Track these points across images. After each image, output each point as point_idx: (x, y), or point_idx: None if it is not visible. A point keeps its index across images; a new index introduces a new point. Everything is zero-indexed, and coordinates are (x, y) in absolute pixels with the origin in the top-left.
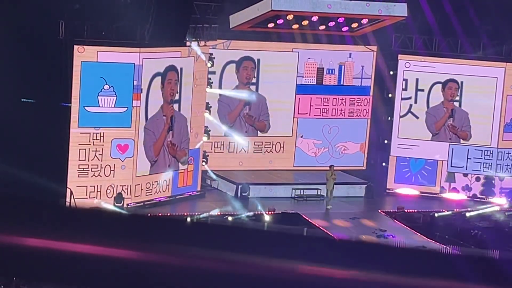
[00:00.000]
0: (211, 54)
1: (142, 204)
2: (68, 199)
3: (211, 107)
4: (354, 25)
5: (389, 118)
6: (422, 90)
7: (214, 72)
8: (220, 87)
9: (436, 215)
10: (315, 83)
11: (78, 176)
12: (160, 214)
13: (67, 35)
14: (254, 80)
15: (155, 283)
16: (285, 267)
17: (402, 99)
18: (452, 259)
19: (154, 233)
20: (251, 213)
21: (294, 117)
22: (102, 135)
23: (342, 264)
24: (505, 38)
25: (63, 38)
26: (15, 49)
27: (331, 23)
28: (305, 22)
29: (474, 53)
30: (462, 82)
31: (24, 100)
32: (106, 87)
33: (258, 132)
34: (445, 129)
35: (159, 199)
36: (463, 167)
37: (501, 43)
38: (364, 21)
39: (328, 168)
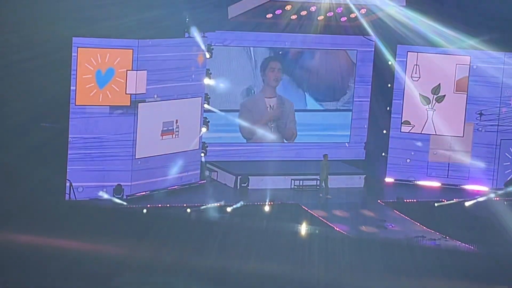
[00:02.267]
0: (210, 44)
1: (141, 195)
2: (68, 192)
3: (210, 98)
4: (353, 15)
5: (387, 108)
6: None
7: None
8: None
9: (435, 204)
10: None
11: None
12: (159, 205)
13: (66, 29)
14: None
15: (155, 274)
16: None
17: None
18: (451, 252)
19: (153, 224)
20: (250, 204)
21: None
22: None
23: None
24: (505, 27)
25: (62, 32)
26: (14, 45)
27: (330, 14)
28: (303, 13)
29: (473, 42)
30: None
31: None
32: None
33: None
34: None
35: (158, 190)
36: None
37: (501, 32)
38: (363, 11)
39: (322, 158)
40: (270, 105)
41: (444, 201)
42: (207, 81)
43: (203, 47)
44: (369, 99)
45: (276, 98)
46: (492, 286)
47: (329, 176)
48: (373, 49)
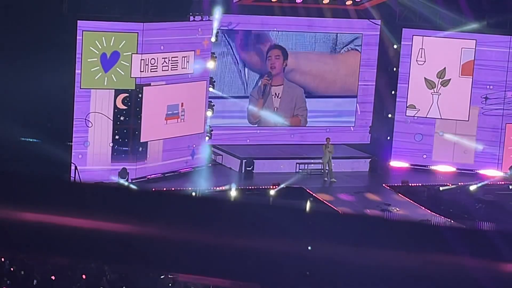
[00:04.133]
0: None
1: (146, 178)
2: (72, 174)
3: (214, 81)
4: None
5: (392, 92)
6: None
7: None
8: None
9: (440, 188)
10: None
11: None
12: (164, 189)
13: (71, 10)
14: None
15: (159, 256)
16: (289, 242)
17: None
18: (453, 232)
19: (158, 207)
20: (255, 188)
21: None
22: None
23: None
24: (510, 10)
25: (67, 14)
26: (19, 26)
27: None
28: None
29: (479, 26)
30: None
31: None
32: None
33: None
34: None
35: (163, 173)
36: None
37: (505, 15)
38: None
39: (325, 141)
40: (276, 93)
41: (449, 185)
42: (211, 64)
43: (213, 30)
44: (374, 83)
45: (283, 86)
46: (498, 263)
47: (333, 160)
48: (378, 33)
